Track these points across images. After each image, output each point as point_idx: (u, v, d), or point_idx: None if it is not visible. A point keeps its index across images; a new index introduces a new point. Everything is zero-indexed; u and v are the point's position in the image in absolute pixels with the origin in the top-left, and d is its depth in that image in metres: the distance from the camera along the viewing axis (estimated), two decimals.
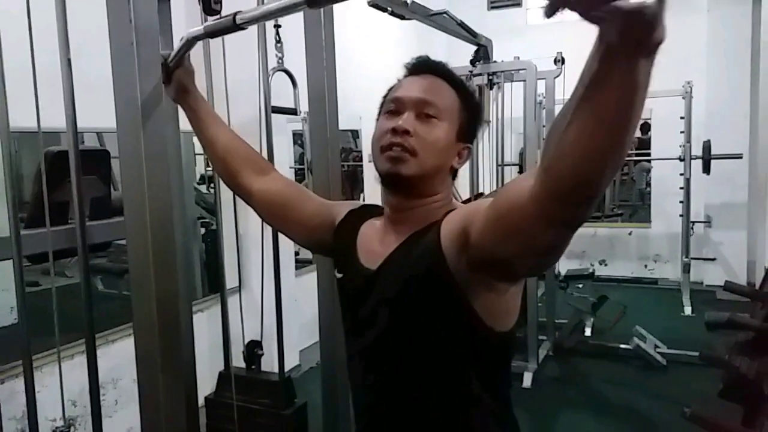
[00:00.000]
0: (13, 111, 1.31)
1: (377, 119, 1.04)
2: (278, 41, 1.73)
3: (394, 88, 1.03)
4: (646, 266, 6.33)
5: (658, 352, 3.96)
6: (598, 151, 0.60)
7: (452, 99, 1.00)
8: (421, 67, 1.03)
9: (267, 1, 1.07)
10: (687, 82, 5.11)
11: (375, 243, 1.03)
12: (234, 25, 1.04)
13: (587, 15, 0.53)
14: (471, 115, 1.02)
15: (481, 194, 4.21)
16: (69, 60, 1.24)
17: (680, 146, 5.20)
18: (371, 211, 1.12)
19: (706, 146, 5.08)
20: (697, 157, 5.13)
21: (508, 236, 0.75)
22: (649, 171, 8.00)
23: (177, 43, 1.18)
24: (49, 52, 1.27)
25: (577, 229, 0.69)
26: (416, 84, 1.00)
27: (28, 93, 1.28)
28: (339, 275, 1.10)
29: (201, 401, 1.88)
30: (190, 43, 1.14)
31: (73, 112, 1.25)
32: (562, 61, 3.99)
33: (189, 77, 1.21)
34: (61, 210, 1.41)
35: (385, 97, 1.05)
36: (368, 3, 1.87)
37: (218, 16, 1.14)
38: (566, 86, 4.01)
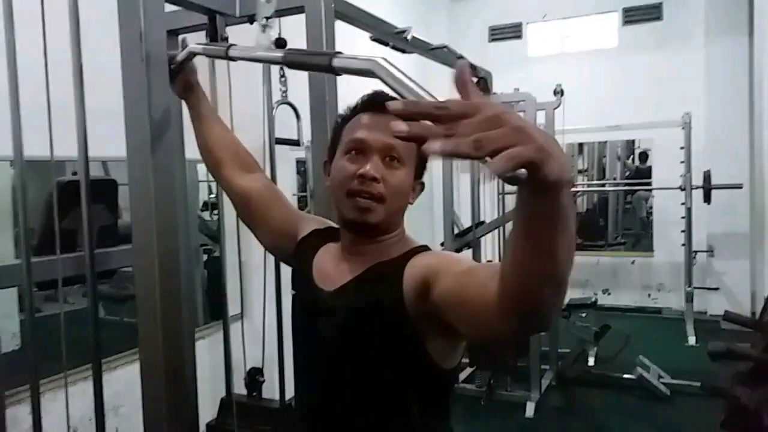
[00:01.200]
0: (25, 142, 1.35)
1: (330, 151, 1.07)
2: (282, 75, 1.79)
3: (353, 126, 1.02)
4: (649, 295, 6.31)
5: (662, 383, 3.93)
6: (536, 276, 0.65)
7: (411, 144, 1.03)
8: (379, 103, 0.99)
9: (257, 46, 1.19)
10: (686, 113, 5.17)
11: (330, 267, 1.07)
12: (226, 56, 1.17)
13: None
14: (424, 154, 1.05)
15: (482, 222, 4.25)
16: (82, 92, 1.29)
17: (681, 176, 5.24)
18: (333, 234, 1.14)
19: (707, 176, 5.12)
20: (697, 187, 5.17)
21: (466, 316, 0.81)
22: (647, 199, 8.04)
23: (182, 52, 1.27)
24: (59, 83, 1.32)
25: (534, 333, 0.75)
26: (378, 125, 0.98)
27: (36, 123, 1.32)
28: (293, 291, 1.15)
29: (203, 428, 1.89)
30: (191, 54, 1.26)
31: (84, 142, 1.29)
32: (561, 92, 4.06)
33: (192, 75, 1.31)
34: (69, 238, 1.44)
35: (339, 127, 1.06)
36: (370, 38, 1.93)
37: (214, 44, 1.27)
38: (565, 116, 4.08)
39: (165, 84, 1.20)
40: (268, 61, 1.11)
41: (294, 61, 1.08)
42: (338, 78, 1.74)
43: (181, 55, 1.27)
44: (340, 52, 1.00)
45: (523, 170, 0.54)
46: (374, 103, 1.02)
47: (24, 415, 2.12)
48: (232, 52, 1.18)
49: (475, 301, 0.77)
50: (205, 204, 3.88)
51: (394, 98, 0.99)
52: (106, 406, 2.55)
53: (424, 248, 1.02)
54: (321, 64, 1.01)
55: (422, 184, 1.07)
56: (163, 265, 1.14)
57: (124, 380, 2.37)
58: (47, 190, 1.64)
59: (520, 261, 0.65)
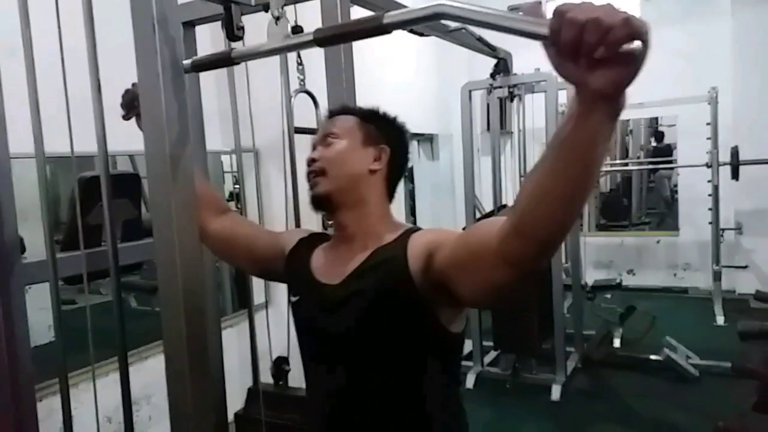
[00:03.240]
0: (47, 137, 1.36)
1: None
2: (300, 63, 1.77)
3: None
4: (675, 275, 6.21)
5: (690, 363, 3.88)
6: (562, 196, 0.71)
7: (348, 121, 1.16)
8: (331, 113, 1.23)
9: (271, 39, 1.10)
10: (712, 87, 5.04)
11: (331, 262, 1.14)
12: (229, 60, 1.10)
13: (612, 92, 0.63)
14: (373, 124, 1.16)
15: (504, 206, 4.21)
16: (99, 87, 1.29)
17: (707, 153, 5.12)
18: (320, 238, 1.23)
19: (734, 152, 4.99)
20: (724, 164, 5.05)
21: (467, 266, 0.88)
22: (670, 178, 7.88)
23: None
24: (79, 80, 1.32)
25: (526, 274, 0.81)
26: (323, 126, 1.19)
27: (60, 119, 1.33)
28: (294, 298, 1.18)
29: (231, 417, 1.91)
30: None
31: (103, 137, 1.29)
32: None
33: None
34: (95, 233, 1.45)
35: None
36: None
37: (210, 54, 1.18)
38: None
39: (181, 76, 1.19)
40: (293, 48, 1.06)
41: (331, 35, 1.00)
42: (355, 64, 1.73)
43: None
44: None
45: (638, 43, 0.60)
46: (329, 113, 1.24)
47: (58, 407, 2.17)
48: (235, 54, 1.09)
49: (477, 250, 0.85)
50: (231, 194, 3.92)
51: (340, 107, 1.23)
52: (138, 396, 2.62)
53: (415, 228, 1.11)
54: (369, 27, 0.93)
55: (383, 148, 1.13)
56: (185, 256, 1.14)
57: (156, 370, 2.40)
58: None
59: (558, 177, 0.70)
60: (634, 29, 0.59)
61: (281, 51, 1.10)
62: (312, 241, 1.22)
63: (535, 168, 0.74)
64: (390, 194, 1.17)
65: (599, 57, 0.60)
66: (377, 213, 1.12)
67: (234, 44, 1.21)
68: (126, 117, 1.29)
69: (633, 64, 0.61)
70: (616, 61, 0.60)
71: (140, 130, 1.21)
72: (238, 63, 1.10)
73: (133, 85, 1.26)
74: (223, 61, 1.11)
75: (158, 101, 1.14)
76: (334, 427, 1.09)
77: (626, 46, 0.59)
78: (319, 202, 1.12)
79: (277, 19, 1.05)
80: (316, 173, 1.11)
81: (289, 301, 1.19)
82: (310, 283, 1.13)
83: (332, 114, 1.22)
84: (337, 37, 1.02)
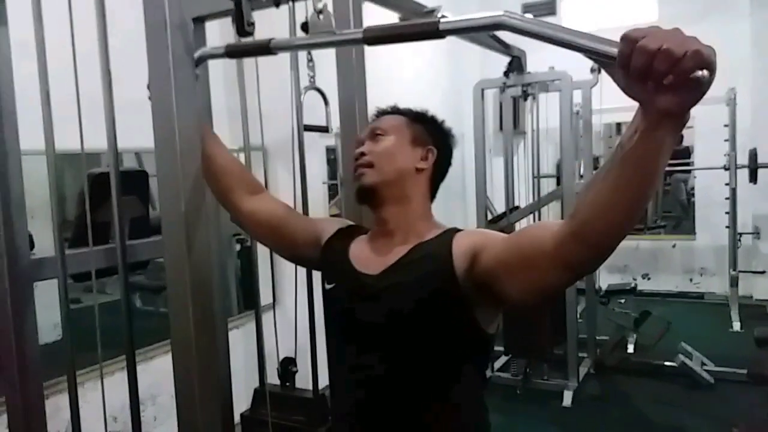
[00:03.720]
0: (55, 133, 1.35)
1: None
2: (310, 60, 1.75)
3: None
4: (691, 280, 6.12)
5: (705, 370, 3.82)
6: (626, 206, 0.75)
7: (398, 120, 1.20)
8: (378, 113, 1.26)
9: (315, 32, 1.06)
10: (731, 88, 4.96)
11: (369, 253, 1.15)
12: (267, 49, 1.06)
13: (677, 109, 0.68)
14: (422, 125, 1.19)
15: (517, 207, 4.16)
16: (110, 84, 1.28)
17: (725, 155, 5.03)
18: (359, 230, 1.24)
19: (753, 154, 4.91)
20: (743, 166, 4.96)
21: (520, 269, 0.90)
22: (686, 181, 7.77)
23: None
24: (89, 77, 1.31)
25: (582, 276, 0.86)
26: (372, 124, 1.21)
27: (69, 116, 1.32)
28: (329, 286, 1.19)
29: (238, 418, 1.89)
30: (201, 59, 1.17)
31: (113, 134, 1.29)
32: (599, 69, 3.92)
33: None
34: (103, 230, 1.45)
35: None
36: (399, 18, 1.88)
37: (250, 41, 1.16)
38: (603, 95, 3.94)
39: (191, 73, 1.18)
40: (338, 44, 1.06)
41: (381, 35, 0.98)
42: (367, 61, 1.70)
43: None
44: (443, 16, 0.92)
45: (705, 72, 0.63)
46: (375, 115, 1.27)
47: (66, 405, 2.17)
48: (274, 44, 1.06)
49: (531, 254, 0.88)
50: None
51: (389, 107, 1.25)
52: (143, 396, 2.61)
53: (456, 228, 1.11)
54: (423, 31, 0.92)
55: (431, 149, 1.17)
56: (194, 255, 1.13)
57: (161, 370, 2.40)
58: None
59: (623, 190, 0.74)
60: (703, 60, 0.62)
61: (326, 46, 1.08)
62: (351, 232, 1.24)
63: (597, 179, 0.77)
64: (432, 194, 1.20)
65: (667, 83, 0.64)
66: (419, 211, 1.15)
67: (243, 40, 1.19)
68: None
69: (699, 89, 0.64)
70: (683, 86, 0.64)
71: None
72: (275, 53, 1.08)
73: None
74: (259, 49, 1.10)
75: (169, 97, 1.13)
76: (363, 416, 1.10)
77: (694, 75, 0.63)
78: (365, 194, 1.14)
79: (320, 12, 1.03)
80: (363, 165, 1.14)
81: (323, 288, 1.20)
82: (347, 272, 1.14)
83: (381, 113, 1.25)
84: (387, 37, 1.01)
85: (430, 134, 1.20)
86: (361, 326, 1.10)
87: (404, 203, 1.14)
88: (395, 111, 1.24)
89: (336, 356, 1.20)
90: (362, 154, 1.15)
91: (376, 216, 1.17)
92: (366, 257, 1.15)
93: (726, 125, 5.02)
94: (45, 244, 1.43)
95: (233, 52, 1.13)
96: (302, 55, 1.81)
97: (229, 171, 1.30)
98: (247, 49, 1.13)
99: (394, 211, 1.13)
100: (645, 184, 0.73)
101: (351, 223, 1.31)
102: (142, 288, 3.70)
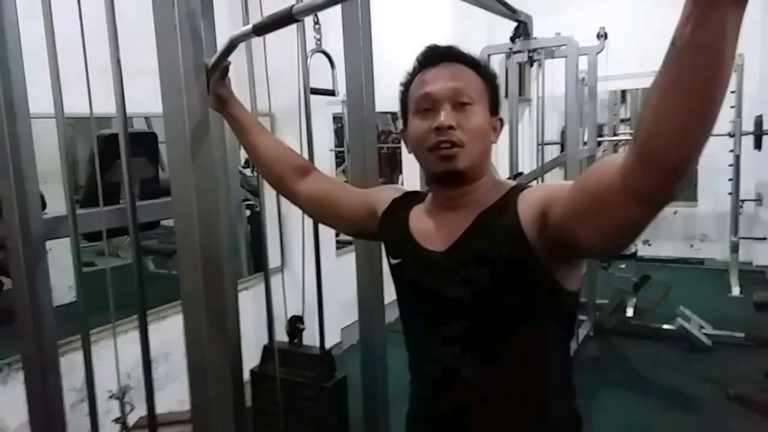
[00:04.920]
0: (66, 98, 1.37)
1: (403, 119, 1.09)
2: (316, 22, 1.74)
3: (417, 87, 1.04)
4: (691, 246, 6.16)
5: (704, 333, 3.88)
6: (690, 110, 0.62)
7: (476, 79, 1.03)
8: (435, 57, 1.04)
9: None
10: (739, 54, 4.87)
11: (432, 227, 1.06)
12: (290, 18, 1.02)
13: None
14: (494, 88, 1.06)
15: (521, 174, 4.17)
16: (117, 48, 1.29)
17: (730, 122, 5.00)
18: (414, 198, 1.15)
19: (758, 121, 4.88)
20: (747, 133, 4.94)
21: (591, 213, 0.77)
22: None
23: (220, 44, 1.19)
24: (99, 43, 1.32)
25: (661, 208, 0.70)
26: (440, 75, 1.01)
27: (82, 80, 1.33)
28: (395, 261, 1.12)
29: (248, 374, 1.95)
30: (233, 45, 1.14)
31: (122, 98, 1.30)
32: (605, 36, 3.89)
33: (226, 87, 1.24)
34: (113, 190, 1.47)
35: (404, 94, 1.08)
36: None
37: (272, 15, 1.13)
38: (609, 62, 3.91)
39: (197, 31, 1.17)
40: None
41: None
42: (374, 26, 1.70)
43: (220, 48, 1.16)
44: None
45: None
46: (431, 59, 1.04)
47: (80, 362, 2.23)
48: (297, 10, 1.00)
49: (600, 194, 0.75)
50: (247, 161, 3.95)
51: (447, 47, 1.04)
52: (156, 354, 2.69)
53: (520, 186, 1.03)
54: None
55: (501, 120, 1.07)
56: (202, 217, 1.15)
57: (173, 329, 2.45)
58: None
59: (682, 88, 0.62)
60: None
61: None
62: (406, 201, 1.16)
63: (653, 86, 0.64)
64: None
65: None
66: (488, 184, 1.04)
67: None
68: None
69: None
70: None
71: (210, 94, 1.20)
72: (300, 20, 1.06)
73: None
74: (285, 19, 1.07)
75: (176, 61, 1.13)
76: (443, 392, 1.05)
77: None
78: (452, 179, 1.01)
79: None
80: (454, 144, 0.98)
81: (390, 263, 1.14)
82: (412, 248, 1.07)
83: (445, 57, 1.04)
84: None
85: (498, 99, 1.07)
86: (437, 301, 1.03)
87: (477, 181, 1.03)
88: (462, 58, 1.04)
89: (410, 331, 1.15)
90: (451, 127, 0.97)
91: (443, 193, 1.06)
92: (429, 231, 1.07)
93: (732, 91, 4.97)
94: (59, 207, 1.46)
95: (260, 29, 1.11)
96: (308, 18, 1.80)
97: (276, 159, 1.27)
98: (273, 21, 1.11)
99: (467, 190, 1.03)
100: (709, 79, 0.60)
101: (404, 189, 1.22)
102: (155, 251, 3.76)
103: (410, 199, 1.16)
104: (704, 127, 0.63)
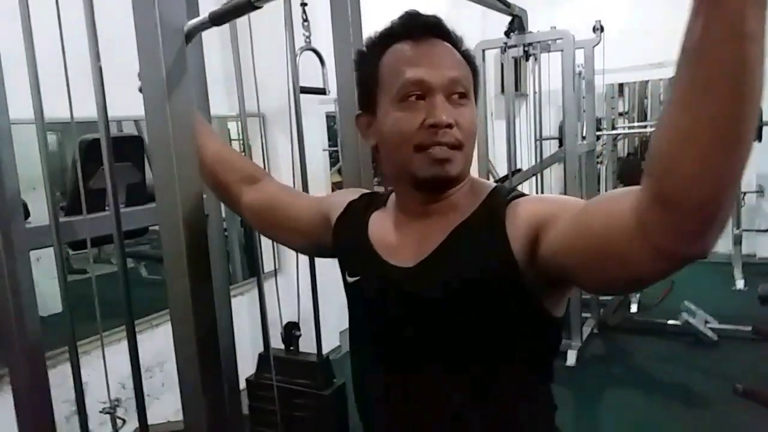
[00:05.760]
0: (53, 103, 1.33)
1: (364, 100, 0.90)
2: (305, 20, 1.70)
3: (398, 63, 0.84)
4: None
5: (709, 328, 3.83)
6: (713, 132, 0.48)
7: (466, 67, 0.86)
8: (420, 28, 0.85)
9: None
10: None
11: (398, 238, 0.90)
12: (249, 5, 0.96)
13: None
14: (477, 79, 0.89)
15: (519, 170, 4.12)
16: (97, 48, 1.25)
17: None
18: (373, 200, 0.99)
19: (759, 112, 4.83)
20: None
21: (597, 259, 0.64)
22: None
23: None
24: (81, 44, 1.28)
25: (686, 263, 0.55)
26: (434, 57, 0.83)
27: (73, 84, 1.29)
28: (352, 279, 0.95)
29: (243, 383, 1.91)
30: (189, 36, 1.06)
31: (103, 100, 1.26)
32: (601, 29, 3.84)
33: None
34: (99, 197, 1.42)
35: (370, 68, 0.87)
36: None
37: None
38: (606, 55, 3.86)
39: (181, 34, 1.13)
40: None
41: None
42: (364, 22, 1.65)
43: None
44: None
45: None
46: (415, 29, 0.85)
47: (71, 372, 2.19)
48: None
49: (604, 236, 0.61)
50: None
51: (434, 18, 0.86)
52: (151, 363, 2.65)
53: (503, 191, 0.86)
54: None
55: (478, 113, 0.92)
56: (188, 221, 1.11)
57: (167, 337, 2.41)
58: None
59: (700, 104, 0.48)
60: None
61: None
62: (364, 204, 0.99)
63: (666, 106, 0.51)
64: None
65: None
66: (466, 186, 0.88)
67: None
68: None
69: None
70: None
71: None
72: (260, 6, 0.98)
73: None
74: (244, 7, 1.00)
75: (157, 60, 1.08)
76: None
77: None
78: (445, 184, 0.85)
79: None
80: (452, 146, 0.82)
81: (345, 281, 0.96)
82: (373, 262, 0.90)
83: (433, 32, 0.85)
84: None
85: (478, 89, 0.90)
86: (396, 326, 0.87)
87: (461, 181, 0.88)
88: (449, 36, 0.87)
89: (358, 362, 0.98)
90: (450, 126, 0.81)
91: (416, 197, 0.88)
92: (393, 242, 0.90)
93: None
94: (45, 214, 1.41)
95: (217, 18, 1.05)
96: (297, 14, 1.76)
97: (223, 166, 1.14)
98: (231, 9, 1.04)
99: (446, 195, 0.87)
100: (732, 89, 0.47)
101: (363, 191, 1.06)
102: (147, 257, 3.71)
103: (369, 201, 0.99)
104: (733, 154, 0.49)
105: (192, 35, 1.05)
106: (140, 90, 1.10)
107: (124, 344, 1.34)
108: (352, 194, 1.03)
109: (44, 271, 1.75)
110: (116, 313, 1.55)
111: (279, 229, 1.11)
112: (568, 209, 0.72)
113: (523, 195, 0.85)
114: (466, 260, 0.81)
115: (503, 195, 0.84)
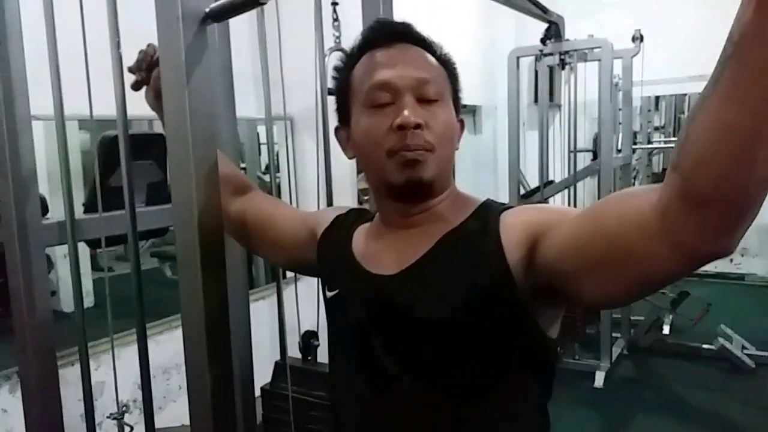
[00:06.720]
0: (78, 99, 1.30)
1: (340, 114, 0.88)
2: (335, 19, 1.66)
3: (366, 71, 0.82)
4: (731, 260, 5.88)
5: (746, 354, 3.67)
6: (756, 126, 0.46)
7: (440, 69, 0.84)
8: (388, 34, 0.84)
9: None
10: None
11: (380, 248, 0.86)
12: (254, 1, 0.89)
13: None
14: (457, 81, 0.86)
15: (551, 182, 4.02)
16: (119, 44, 1.22)
17: None
18: (360, 215, 0.97)
19: None
20: None
21: (609, 260, 0.60)
22: None
23: None
24: (104, 41, 1.25)
25: (708, 261, 0.54)
26: (399, 59, 0.81)
27: (96, 81, 1.27)
28: (331, 293, 0.90)
29: (259, 391, 1.86)
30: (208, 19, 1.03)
31: (123, 98, 1.23)
32: (641, 38, 3.73)
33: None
34: (119, 194, 1.40)
35: (343, 81, 0.86)
36: None
37: None
38: (646, 65, 3.74)
39: (204, 28, 1.09)
40: None
41: None
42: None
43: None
44: None
45: None
46: (382, 36, 0.84)
47: (93, 370, 2.18)
48: None
49: (618, 235, 0.58)
50: (267, 166, 3.90)
51: (403, 24, 0.85)
52: (169, 364, 2.62)
53: (494, 204, 0.84)
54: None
55: (462, 123, 0.88)
56: (204, 225, 1.06)
57: None
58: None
59: (746, 98, 0.46)
60: None
61: None
62: (350, 219, 0.96)
63: (703, 100, 0.49)
64: None
65: None
66: (450, 198, 0.85)
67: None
68: (134, 85, 1.09)
69: None
70: None
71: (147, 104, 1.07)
72: (264, 2, 0.93)
73: (149, 45, 1.04)
74: (247, 3, 0.96)
75: (179, 56, 1.05)
76: None
77: None
78: (416, 191, 0.81)
79: None
80: (423, 148, 0.78)
81: (324, 297, 0.93)
82: (354, 273, 0.86)
83: (403, 36, 0.83)
84: None
85: (458, 99, 0.87)
86: (375, 348, 0.82)
87: (440, 193, 0.84)
88: (421, 40, 0.85)
89: (338, 379, 0.94)
90: (418, 126, 0.77)
91: (397, 209, 0.85)
92: (375, 252, 0.86)
93: None
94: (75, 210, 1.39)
95: (217, 14, 0.99)
96: (327, 14, 1.72)
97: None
98: (232, 6, 0.97)
99: (428, 205, 0.83)
100: None
101: (350, 207, 1.03)
102: (172, 257, 3.72)
103: (356, 217, 0.96)
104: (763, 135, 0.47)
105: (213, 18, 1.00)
106: (132, 87, 1.06)
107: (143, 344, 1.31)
108: (340, 210, 1.01)
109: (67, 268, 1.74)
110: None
111: (262, 242, 1.07)
112: (568, 215, 0.70)
113: (525, 207, 0.82)
114: (455, 268, 0.77)
115: (496, 206, 0.82)
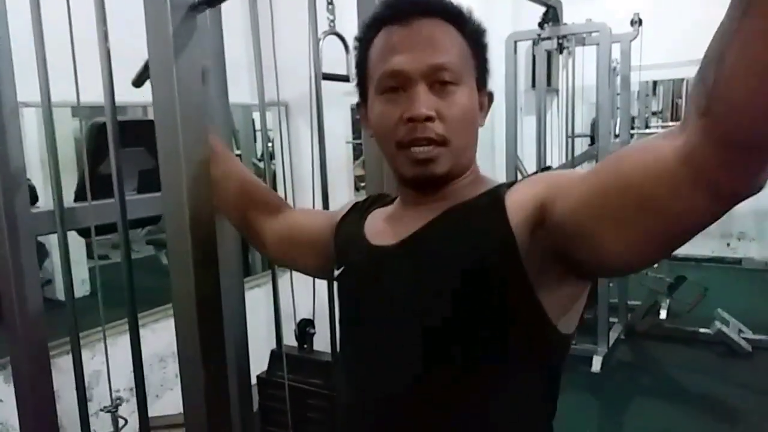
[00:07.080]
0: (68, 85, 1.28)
1: (360, 91, 0.85)
2: (330, 2, 1.62)
3: (380, 52, 0.78)
4: (728, 245, 5.89)
5: (743, 338, 3.68)
6: None
7: (461, 45, 0.78)
8: (404, 8, 0.77)
9: None
10: None
11: (388, 225, 0.85)
12: None
13: None
14: (484, 52, 0.81)
15: (549, 167, 3.99)
16: (105, 31, 1.19)
17: None
18: (378, 199, 0.96)
19: None
20: None
21: (631, 210, 0.55)
22: None
23: None
24: (91, 25, 1.22)
25: (741, 200, 0.51)
26: (413, 41, 0.75)
27: (87, 67, 1.24)
28: (338, 271, 0.89)
29: (255, 380, 1.85)
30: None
31: (110, 83, 1.20)
32: (640, 22, 3.68)
33: None
34: (109, 183, 1.38)
35: (362, 55, 0.82)
36: None
37: None
38: (643, 50, 3.70)
39: (193, 28, 1.06)
40: None
41: None
42: None
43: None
44: None
45: None
46: (399, 11, 0.77)
47: (89, 359, 2.16)
48: None
49: (639, 182, 0.54)
50: (262, 153, 3.84)
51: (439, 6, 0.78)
52: (166, 352, 2.61)
53: (508, 183, 0.78)
54: None
55: (491, 95, 0.84)
56: (195, 211, 1.05)
57: None
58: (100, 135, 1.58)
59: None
60: None
61: None
62: (367, 204, 0.95)
63: (727, 36, 0.45)
64: None
65: None
66: (469, 178, 0.82)
67: None
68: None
69: None
70: None
71: None
72: None
73: None
74: None
75: (167, 42, 1.02)
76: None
77: None
78: (430, 183, 0.79)
79: None
80: (434, 142, 0.75)
81: (335, 278, 0.91)
82: (359, 248, 0.85)
83: (419, 10, 0.77)
84: None
85: (487, 65, 0.82)
86: (374, 319, 0.81)
87: (459, 177, 0.81)
88: (441, 10, 0.78)
89: (345, 348, 0.91)
90: (429, 119, 0.74)
91: (412, 193, 0.83)
92: (384, 229, 0.84)
93: None
94: (68, 198, 1.36)
95: (205, 1, 0.98)
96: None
97: (251, 196, 1.09)
98: None
99: (448, 189, 0.81)
100: None
101: (378, 195, 1.02)
102: (165, 245, 3.69)
103: (374, 200, 0.96)
104: None
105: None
106: (133, 83, 1.05)
107: (141, 332, 1.30)
108: (358, 201, 1.01)
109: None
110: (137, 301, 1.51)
111: (297, 254, 1.06)
112: (577, 175, 0.66)
113: (535, 176, 0.78)
114: (454, 235, 0.75)
115: (508, 184, 0.77)
